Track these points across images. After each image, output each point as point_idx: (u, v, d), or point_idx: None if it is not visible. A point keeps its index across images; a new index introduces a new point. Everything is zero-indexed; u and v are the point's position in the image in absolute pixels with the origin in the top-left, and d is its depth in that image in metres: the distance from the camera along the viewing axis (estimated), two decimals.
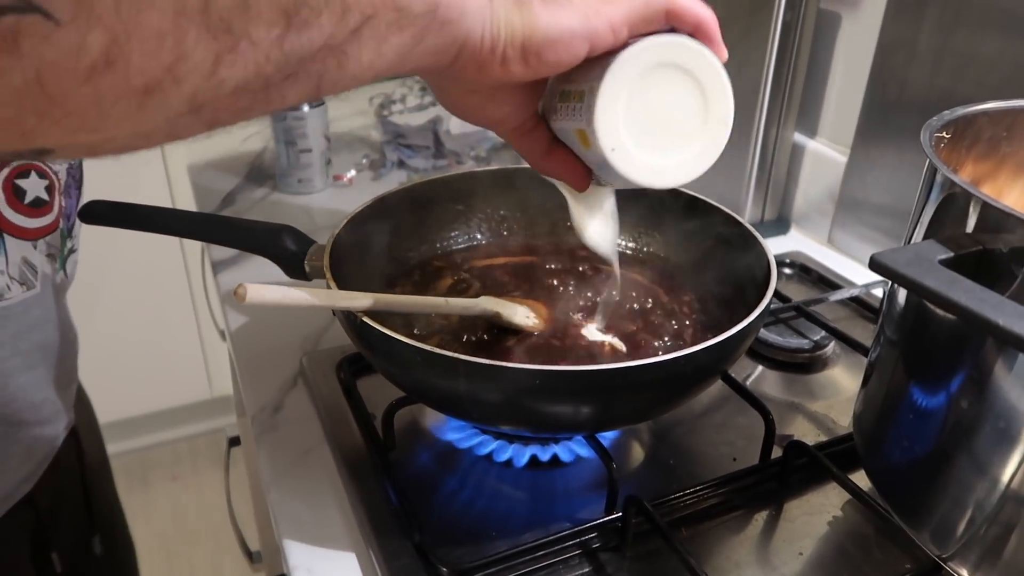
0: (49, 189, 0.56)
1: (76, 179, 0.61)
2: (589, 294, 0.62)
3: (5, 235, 0.53)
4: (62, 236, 0.59)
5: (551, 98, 0.43)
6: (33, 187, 0.54)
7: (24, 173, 0.54)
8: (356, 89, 0.32)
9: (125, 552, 0.81)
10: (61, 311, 0.61)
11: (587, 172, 0.45)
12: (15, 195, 0.53)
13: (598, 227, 0.50)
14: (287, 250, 0.61)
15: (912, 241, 0.45)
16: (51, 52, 0.23)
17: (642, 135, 0.40)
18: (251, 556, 0.91)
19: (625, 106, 0.39)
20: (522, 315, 0.56)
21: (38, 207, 0.55)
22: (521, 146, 0.45)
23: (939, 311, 0.42)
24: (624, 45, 0.38)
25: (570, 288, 0.62)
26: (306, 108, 0.94)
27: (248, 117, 0.29)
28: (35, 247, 0.55)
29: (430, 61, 0.34)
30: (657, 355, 0.46)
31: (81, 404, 0.71)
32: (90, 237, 0.79)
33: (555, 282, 0.63)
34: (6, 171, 0.52)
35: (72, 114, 0.24)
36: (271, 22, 0.26)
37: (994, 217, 0.38)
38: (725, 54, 0.40)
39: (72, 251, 0.62)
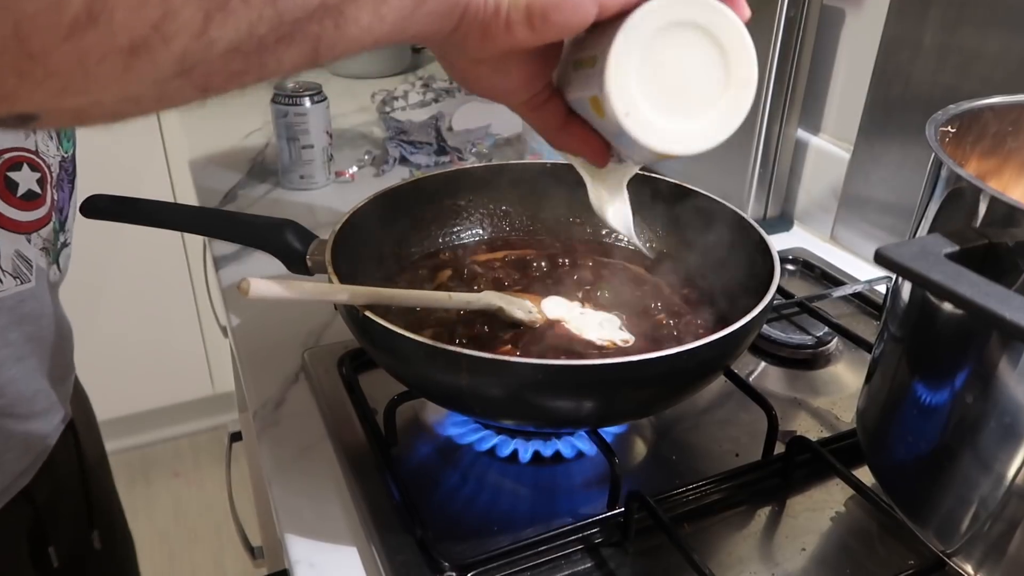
0: (41, 182, 0.55)
1: (68, 172, 0.60)
2: (591, 288, 0.61)
3: None
4: (55, 230, 0.58)
5: (565, 69, 0.41)
6: (25, 180, 0.54)
7: (16, 166, 0.53)
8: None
9: (124, 548, 0.81)
10: (55, 305, 0.60)
11: (605, 146, 0.43)
12: (7, 188, 0.53)
13: (619, 207, 0.48)
14: (289, 245, 0.61)
15: (917, 236, 0.45)
16: (30, 5, 0.22)
17: (658, 98, 0.38)
18: (253, 552, 0.91)
19: (639, 67, 0.37)
20: (524, 310, 0.56)
21: (30, 200, 0.55)
22: (535, 120, 0.43)
23: (944, 305, 0.42)
24: (638, 5, 0.36)
25: (572, 282, 0.62)
26: (308, 104, 0.94)
27: (243, 83, 0.28)
28: (29, 241, 0.55)
29: (432, 27, 0.33)
30: (660, 350, 0.45)
31: (78, 399, 0.71)
32: (91, 232, 0.79)
33: (557, 277, 0.63)
34: None
35: (55, 74, 0.23)
36: None
37: (1000, 211, 0.37)
38: (747, 13, 0.38)
39: (65, 245, 0.61)
